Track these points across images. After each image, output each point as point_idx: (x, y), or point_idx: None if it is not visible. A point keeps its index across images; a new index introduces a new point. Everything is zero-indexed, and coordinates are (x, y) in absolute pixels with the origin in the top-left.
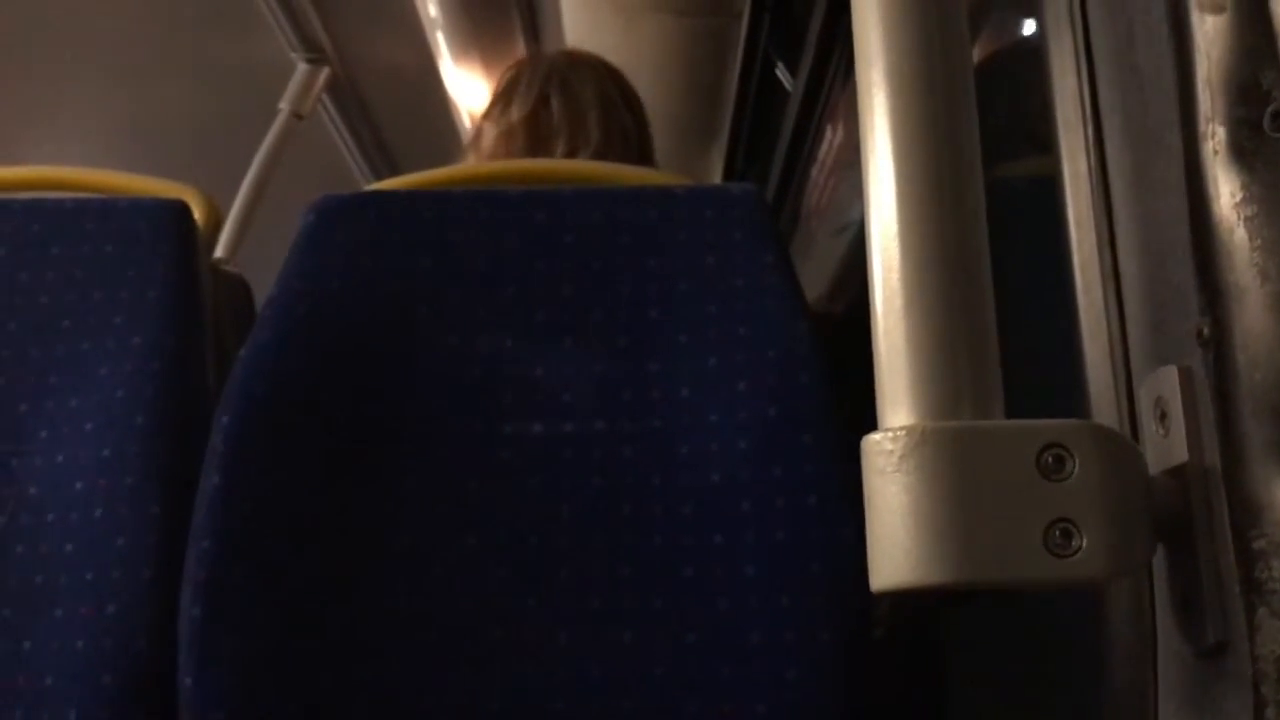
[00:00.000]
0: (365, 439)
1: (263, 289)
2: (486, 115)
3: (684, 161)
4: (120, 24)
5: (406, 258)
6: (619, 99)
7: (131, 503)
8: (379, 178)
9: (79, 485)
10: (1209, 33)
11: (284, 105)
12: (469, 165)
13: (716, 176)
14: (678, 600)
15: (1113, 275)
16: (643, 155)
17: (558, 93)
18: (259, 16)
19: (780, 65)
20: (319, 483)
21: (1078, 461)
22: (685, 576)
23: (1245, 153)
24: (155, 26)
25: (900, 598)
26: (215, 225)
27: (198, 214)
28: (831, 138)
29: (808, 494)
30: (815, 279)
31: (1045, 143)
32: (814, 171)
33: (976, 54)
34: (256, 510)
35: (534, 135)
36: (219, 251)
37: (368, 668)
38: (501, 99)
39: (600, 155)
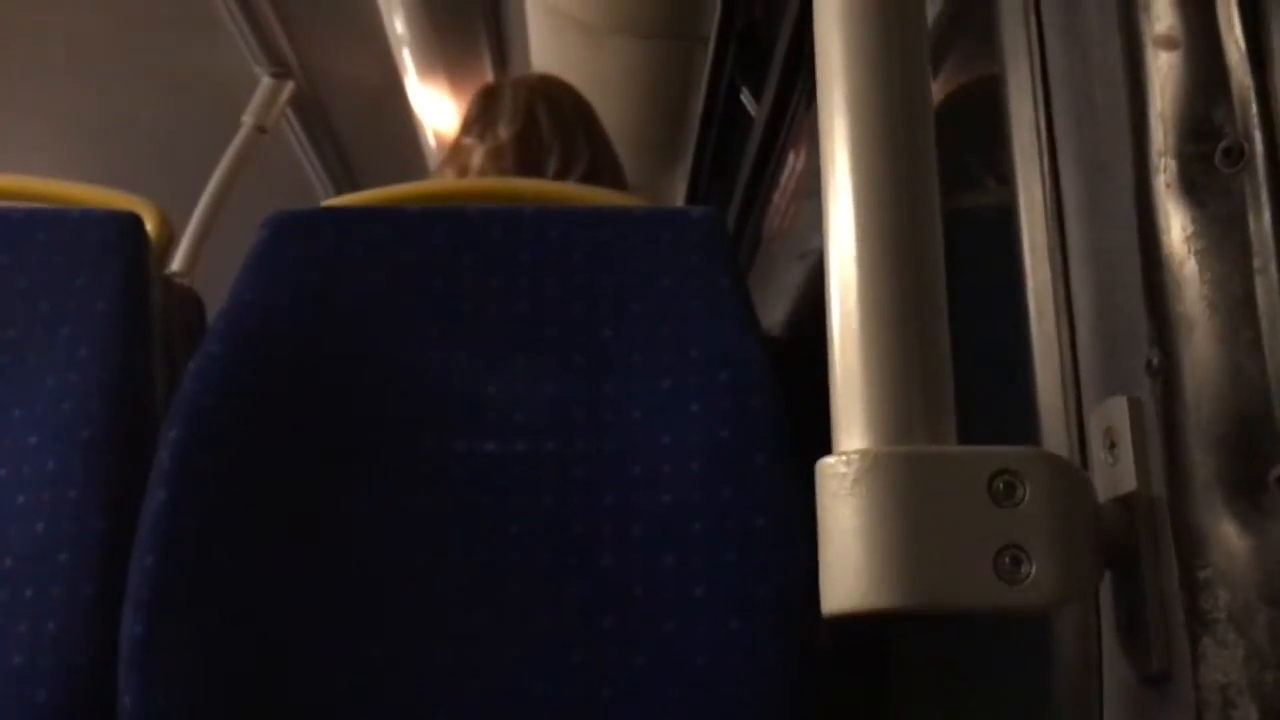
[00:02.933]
0: (314, 455)
1: (220, 304)
2: (466, 132)
3: (647, 183)
4: (83, 30)
5: (360, 273)
6: (596, 123)
7: (75, 517)
8: (341, 194)
9: (20, 499)
10: (1163, 68)
11: (247, 118)
12: (425, 182)
13: (680, 199)
14: (626, 621)
15: (1065, 305)
16: (620, 181)
17: (545, 110)
18: (224, 29)
19: (745, 90)
20: (266, 499)
21: (1028, 488)
22: (634, 597)
23: (1196, 187)
24: (118, 35)
25: (849, 620)
26: (167, 238)
27: (150, 226)
28: (794, 163)
29: (758, 517)
30: (775, 304)
31: (1002, 175)
32: (776, 196)
33: (938, 89)
34: (202, 526)
35: (524, 152)
36: (176, 264)
37: (313, 687)
38: (482, 118)
39: (593, 172)
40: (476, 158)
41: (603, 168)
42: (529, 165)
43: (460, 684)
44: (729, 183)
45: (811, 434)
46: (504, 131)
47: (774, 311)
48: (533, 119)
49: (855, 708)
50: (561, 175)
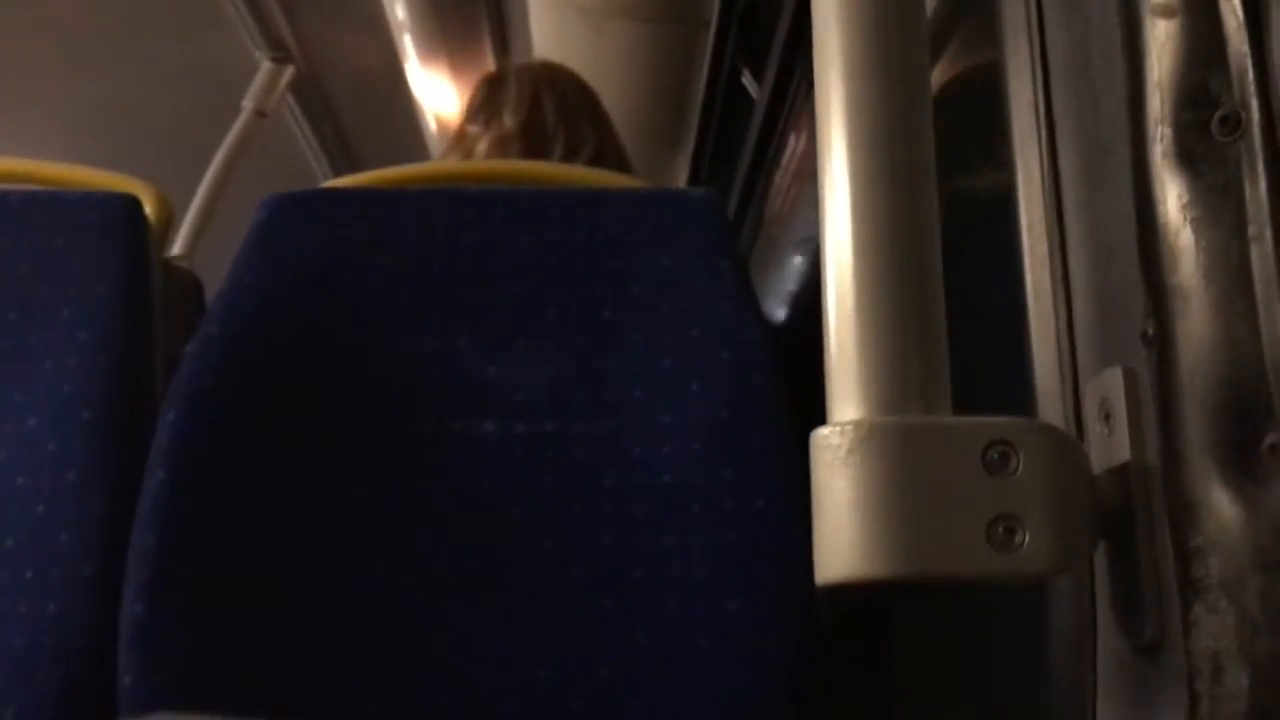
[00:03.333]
0: (313, 436)
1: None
2: (472, 119)
3: (649, 167)
4: (83, 16)
5: (359, 255)
6: (601, 109)
7: (75, 499)
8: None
9: (20, 481)
10: (1160, 37)
11: (247, 103)
12: (425, 164)
13: (682, 182)
14: (627, 601)
15: (1063, 277)
16: (626, 167)
17: (549, 96)
18: (224, 14)
19: (746, 73)
20: (265, 480)
21: (1022, 458)
22: (635, 578)
23: (1193, 156)
24: (119, 21)
25: (846, 592)
26: (167, 220)
27: (149, 209)
28: (796, 146)
29: (757, 496)
30: (777, 286)
31: (1000, 151)
32: (778, 179)
33: (939, 71)
34: (201, 507)
35: (530, 139)
36: (178, 248)
37: (312, 667)
38: (487, 105)
39: (598, 158)
40: (482, 145)
41: (608, 154)
42: (534, 152)
43: (461, 665)
44: (731, 166)
45: (811, 414)
46: (509, 119)
47: (776, 293)
48: (537, 106)
49: (855, 681)
50: (567, 161)
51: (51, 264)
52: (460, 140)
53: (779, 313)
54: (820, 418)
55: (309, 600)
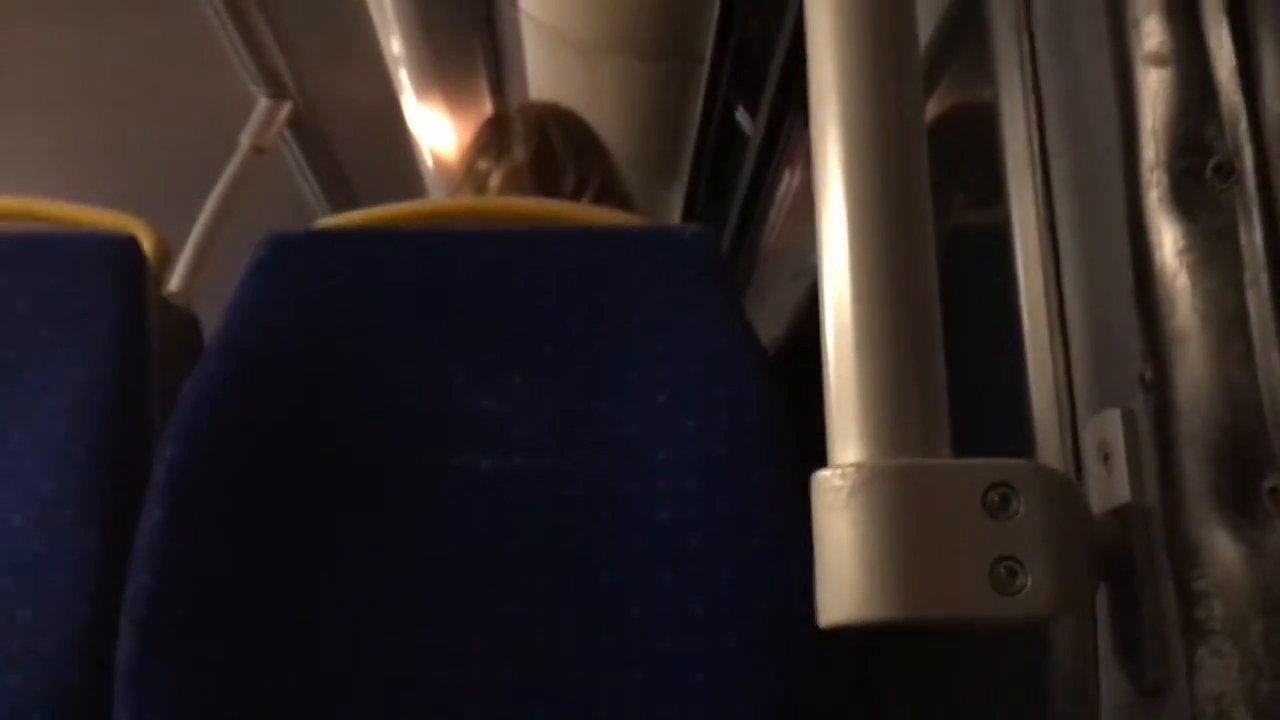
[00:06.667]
0: (310, 474)
1: (217, 324)
2: (482, 154)
3: (645, 202)
4: (82, 54)
5: (356, 293)
6: (604, 146)
7: (71, 538)
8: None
9: (17, 520)
10: (1153, 85)
11: (244, 140)
12: (421, 201)
13: (676, 217)
14: (624, 639)
15: (1059, 319)
16: (629, 203)
17: (556, 129)
18: (221, 51)
19: (740, 108)
20: (261, 518)
21: (1023, 501)
22: (632, 615)
23: (1188, 202)
24: (117, 58)
25: (848, 632)
26: (163, 258)
27: (146, 246)
28: (790, 181)
29: (755, 533)
30: (772, 320)
31: (996, 192)
32: (772, 214)
33: (933, 109)
34: (198, 545)
35: (541, 171)
36: (174, 284)
37: (308, 707)
38: (496, 140)
39: (606, 189)
40: (495, 179)
41: (614, 186)
42: (547, 183)
43: (460, 703)
44: (725, 201)
45: (809, 450)
46: (520, 152)
47: (771, 328)
48: (546, 139)
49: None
50: (579, 191)
51: (49, 303)
52: (471, 175)
53: (775, 347)
54: (817, 453)
55: (305, 638)
